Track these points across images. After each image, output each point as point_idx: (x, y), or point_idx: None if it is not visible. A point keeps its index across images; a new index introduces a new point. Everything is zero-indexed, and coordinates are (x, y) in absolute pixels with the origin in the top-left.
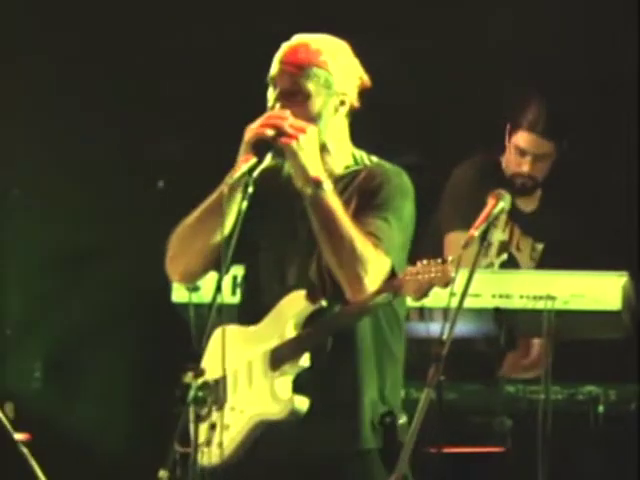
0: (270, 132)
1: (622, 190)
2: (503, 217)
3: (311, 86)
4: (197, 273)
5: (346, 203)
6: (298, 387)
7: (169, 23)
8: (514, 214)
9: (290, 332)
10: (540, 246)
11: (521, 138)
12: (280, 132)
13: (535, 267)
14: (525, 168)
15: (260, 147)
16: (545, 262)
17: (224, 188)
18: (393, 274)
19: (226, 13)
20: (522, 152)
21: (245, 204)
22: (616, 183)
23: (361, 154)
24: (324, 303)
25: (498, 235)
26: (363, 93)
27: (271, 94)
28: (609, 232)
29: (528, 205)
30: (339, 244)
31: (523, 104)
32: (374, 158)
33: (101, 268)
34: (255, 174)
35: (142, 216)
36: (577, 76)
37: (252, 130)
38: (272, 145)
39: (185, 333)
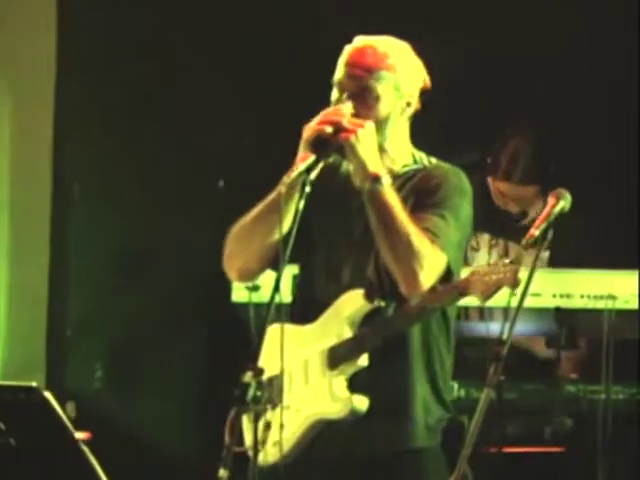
0: (329, 129)
1: (629, 188)
2: (485, 238)
3: (380, 89)
4: (255, 271)
5: (403, 201)
6: (352, 386)
7: (235, 23)
8: (509, 230)
9: (348, 331)
10: (546, 254)
11: (500, 185)
12: (338, 129)
13: None
14: (510, 208)
15: (319, 145)
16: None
17: (282, 187)
18: (449, 271)
19: (288, 15)
20: (505, 196)
21: (302, 203)
22: (622, 182)
23: (420, 155)
24: (382, 303)
25: (482, 257)
26: (423, 94)
27: (335, 97)
28: (619, 232)
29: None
30: (395, 239)
31: (500, 148)
32: (433, 159)
33: (162, 267)
34: (313, 176)
35: (203, 215)
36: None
37: (310, 128)
38: (331, 142)
39: (245, 332)
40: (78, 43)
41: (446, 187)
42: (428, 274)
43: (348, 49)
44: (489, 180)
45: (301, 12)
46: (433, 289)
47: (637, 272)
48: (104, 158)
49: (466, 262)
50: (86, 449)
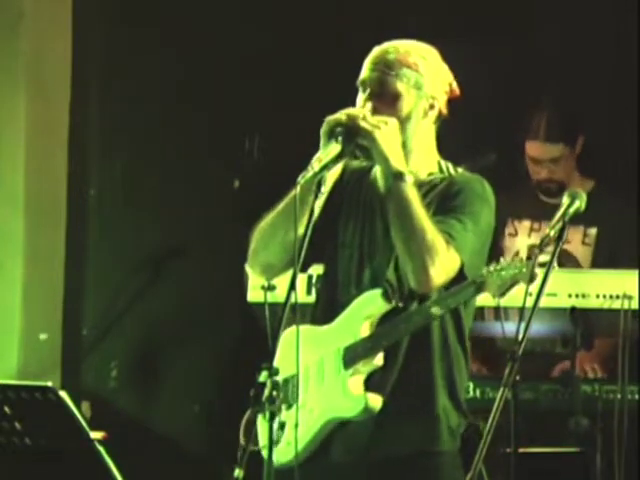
0: (343, 117)
1: None
2: (525, 225)
3: (401, 86)
4: (276, 268)
5: (426, 208)
6: (370, 386)
7: (255, 23)
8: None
9: (365, 331)
10: (593, 230)
11: (530, 148)
12: (356, 124)
13: (592, 251)
14: (543, 174)
15: (337, 136)
16: (602, 244)
17: (297, 188)
18: (462, 275)
19: (309, 17)
20: (535, 161)
21: (318, 203)
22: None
23: (447, 164)
24: (400, 303)
25: (522, 242)
26: (451, 102)
27: (360, 98)
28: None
29: None
30: (411, 233)
31: (528, 115)
32: (460, 170)
33: (178, 267)
34: (330, 181)
35: (218, 216)
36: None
37: (328, 120)
38: (352, 131)
39: (261, 333)
40: (94, 45)
41: (467, 193)
42: (439, 271)
43: (374, 50)
44: (526, 156)
45: (319, 17)
46: (446, 288)
47: (638, 272)
48: (121, 158)
49: (504, 249)
50: (101, 449)
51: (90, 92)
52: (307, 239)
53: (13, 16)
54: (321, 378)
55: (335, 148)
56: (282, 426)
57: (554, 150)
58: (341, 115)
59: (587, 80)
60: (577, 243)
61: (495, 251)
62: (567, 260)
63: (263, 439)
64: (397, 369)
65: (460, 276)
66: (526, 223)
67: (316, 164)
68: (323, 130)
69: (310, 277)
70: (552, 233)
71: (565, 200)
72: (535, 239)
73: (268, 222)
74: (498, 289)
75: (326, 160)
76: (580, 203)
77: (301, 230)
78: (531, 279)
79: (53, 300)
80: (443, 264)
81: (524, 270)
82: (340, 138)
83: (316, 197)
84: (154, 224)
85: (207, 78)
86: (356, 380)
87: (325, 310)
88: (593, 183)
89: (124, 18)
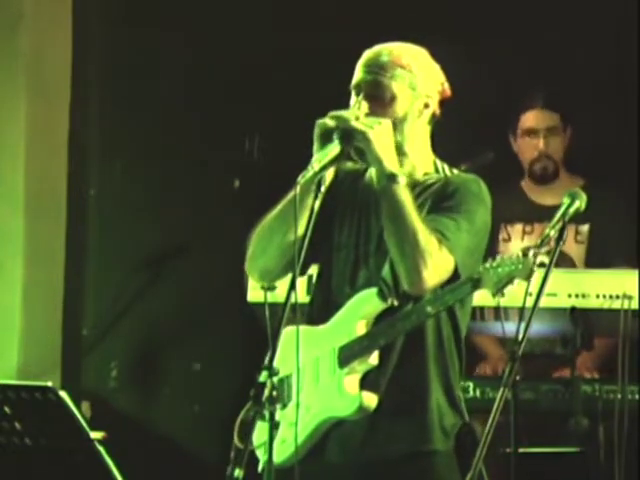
0: (331, 122)
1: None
2: (518, 228)
3: (396, 87)
4: (275, 272)
5: (420, 208)
6: (364, 385)
7: (255, 23)
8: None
9: (360, 330)
10: (585, 227)
11: (526, 120)
12: (349, 126)
13: (585, 249)
14: (540, 145)
15: (339, 138)
16: (595, 241)
17: (296, 188)
18: (456, 275)
19: (309, 17)
20: (531, 132)
21: (318, 203)
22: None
23: (443, 165)
24: (396, 302)
25: (516, 246)
26: (444, 102)
27: (354, 102)
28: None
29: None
30: (403, 235)
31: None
32: (455, 171)
33: (178, 267)
34: (328, 179)
35: (219, 216)
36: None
37: (319, 123)
38: (346, 135)
39: (262, 333)
40: (94, 45)
41: (462, 193)
42: (432, 273)
43: (365, 53)
44: (519, 135)
45: (318, 17)
46: (441, 289)
47: (638, 272)
48: (121, 158)
49: (500, 254)
50: (101, 449)
51: (90, 92)
52: (307, 240)
53: (13, 16)
54: (316, 378)
55: (335, 149)
56: (277, 426)
57: (551, 118)
58: (332, 118)
59: (584, 79)
60: (570, 241)
61: (491, 256)
62: (561, 259)
63: (258, 439)
64: (391, 368)
65: (454, 276)
66: (518, 226)
67: (316, 164)
68: (316, 133)
69: (310, 277)
70: (552, 233)
71: (565, 200)
72: (528, 242)
73: (266, 225)
74: (495, 286)
75: (326, 160)
76: (580, 203)
77: (300, 231)
78: (529, 275)
79: (53, 300)
80: (436, 266)
81: (520, 266)
82: (338, 140)
83: (316, 197)
84: (154, 224)
85: (207, 78)
86: (352, 379)
87: (320, 310)
88: (582, 182)
89: (124, 18)
